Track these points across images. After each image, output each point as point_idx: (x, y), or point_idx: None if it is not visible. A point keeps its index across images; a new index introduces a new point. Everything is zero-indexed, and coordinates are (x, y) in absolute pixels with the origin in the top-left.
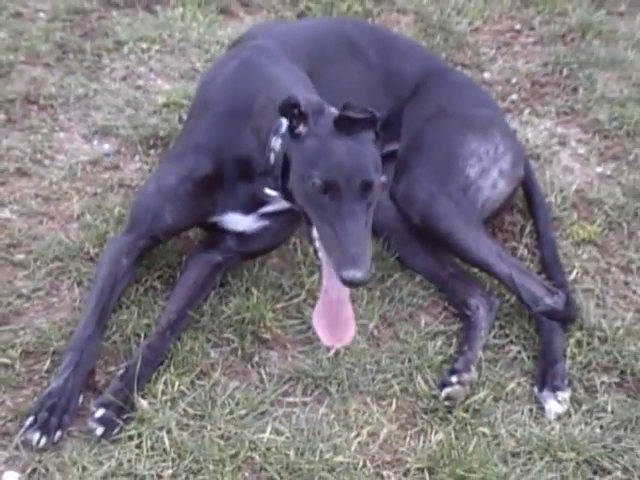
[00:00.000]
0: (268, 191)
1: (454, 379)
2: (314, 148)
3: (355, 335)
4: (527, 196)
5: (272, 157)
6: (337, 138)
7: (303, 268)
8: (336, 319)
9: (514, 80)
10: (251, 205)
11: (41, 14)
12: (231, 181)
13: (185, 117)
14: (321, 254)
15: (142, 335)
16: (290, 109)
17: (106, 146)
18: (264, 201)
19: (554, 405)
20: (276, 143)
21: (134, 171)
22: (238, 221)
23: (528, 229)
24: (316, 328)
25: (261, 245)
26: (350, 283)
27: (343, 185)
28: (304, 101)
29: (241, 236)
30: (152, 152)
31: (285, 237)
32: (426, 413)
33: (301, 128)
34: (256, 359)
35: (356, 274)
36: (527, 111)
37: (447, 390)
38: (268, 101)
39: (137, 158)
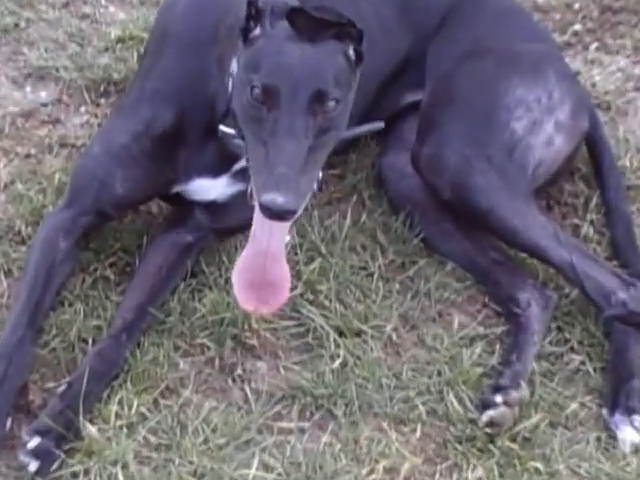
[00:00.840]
0: (223, 128)
1: (498, 399)
2: (261, 49)
3: (287, 302)
4: (593, 158)
5: (230, 83)
6: (293, 42)
7: (300, 253)
8: (263, 275)
9: (577, 5)
10: (220, 164)
11: None
12: (196, 136)
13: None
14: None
15: (90, 340)
16: (248, 9)
17: (42, 94)
18: (234, 156)
19: (630, 433)
20: (235, 65)
21: (79, 126)
22: (208, 187)
23: (594, 202)
24: (234, 285)
25: (239, 217)
26: (268, 210)
27: (286, 92)
28: None
29: (213, 207)
30: (102, 101)
31: None
32: (460, 443)
33: (256, 31)
34: (238, 372)
35: (277, 198)
36: (594, 46)
37: (489, 413)
38: (237, 21)
39: (83, 109)
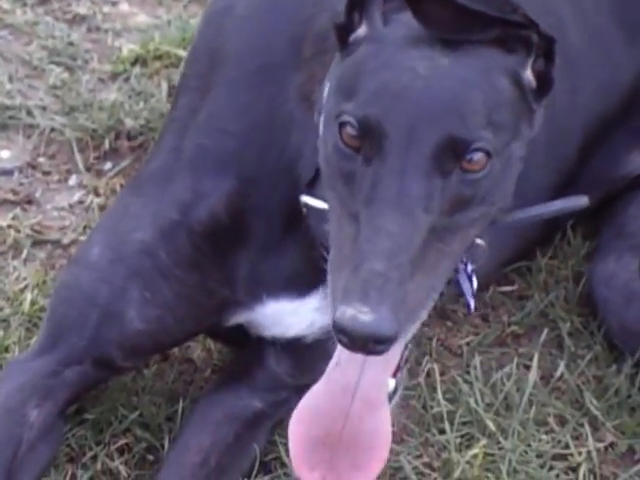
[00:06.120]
0: (308, 200)
1: None
2: (362, 61)
3: None
4: None
5: (321, 123)
6: (418, 49)
7: (448, 430)
8: (341, 429)
9: None
10: (308, 274)
11: None
12: (267, 227)
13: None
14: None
15: None
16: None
17: (4, 154)
18: None
19: None
20: (327, 91)
21: (66, 210)
22: (288, 315)
23: None
24: (290, 440)
25: None
26: (343, 333)
27: (396, 134)
28: None
29: (296, 350)
30: (107, 167)
31: None
32: None
33: (360, 30)
34: None
35: (359, 314)
36: None
37: None
38: (333, 20)
39: (73, 181)
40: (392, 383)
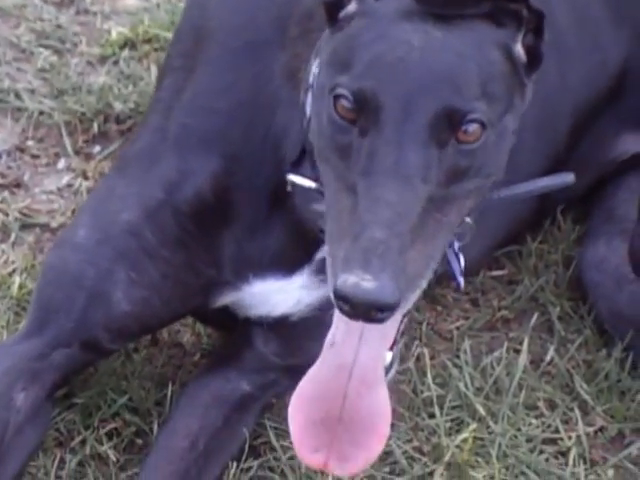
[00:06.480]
0: (295, 178)
1: None
2: (355, 35)
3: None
4: None
5: (308, 103)
6: (410, 22)
7: (438, 414)
8: (340, 408)
9: None
10: (295, 251)
11: None
12: (253, 205)
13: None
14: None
15: None
16: None
17: None
18: (318, 234)
19: None
20: (315, 71)
21: (54, 193)
22: (274, 294)
23: None
24: (290, 424)
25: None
26: (346, 299)
27: (392, 105)
28: None
29: (284, 330)
30: (95, 150)
31: None
32: None
33: (350, 5)
34: None
35: (362, 281)
36: None
37: None
38: (318, 5)
39: (62, 164)
40: (389, 356)
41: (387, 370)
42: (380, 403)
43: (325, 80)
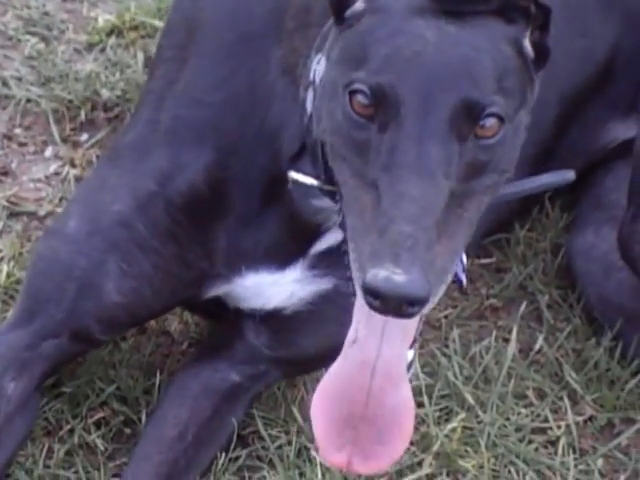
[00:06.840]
0: (295, 175)
1: None
2: (367, 32)
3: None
4: None
5: (309, 100)
6: (424, 18)
7: (427, 404)
8: (365, 405)
9: None
10: (289, 245)
11: None
12: (247, 198)
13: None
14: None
15: None
16: None
17: None
18: (313, 228)
19: None
20: (318, 68)
21: (42, 182)
22: (267, 287)
23: None
24: (313, 423)
25: (321, 340)
26: (378, 295)
27: (412, 100)
28: None
29: (276, 323)
30: (83, 138)
31: None
32: None
33: (358, 3)
34: None
35: (394, 275)
36: None
37: None
38: None
39: (49, 152)
40: (410, 354)
41: (408, 368)
42: (404, 399)
43: (337, 78)
